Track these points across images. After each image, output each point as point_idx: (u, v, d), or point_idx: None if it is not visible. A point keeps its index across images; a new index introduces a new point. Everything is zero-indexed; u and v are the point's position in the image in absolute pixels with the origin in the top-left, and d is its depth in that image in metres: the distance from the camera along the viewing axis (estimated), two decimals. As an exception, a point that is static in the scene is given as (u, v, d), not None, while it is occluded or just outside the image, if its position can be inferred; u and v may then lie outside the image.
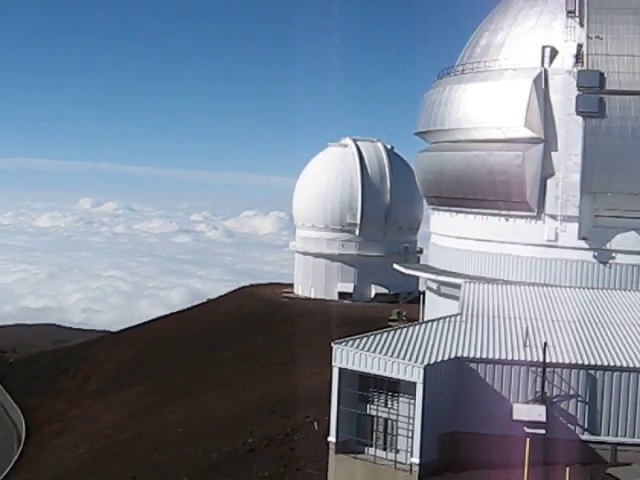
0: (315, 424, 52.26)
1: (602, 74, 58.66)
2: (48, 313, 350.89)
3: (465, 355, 40.44)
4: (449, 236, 70.22)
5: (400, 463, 39.18)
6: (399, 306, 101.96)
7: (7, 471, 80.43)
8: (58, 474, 70.58)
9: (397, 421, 39.78)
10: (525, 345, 41.40)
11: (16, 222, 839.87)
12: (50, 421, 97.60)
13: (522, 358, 40.10)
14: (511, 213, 63.00)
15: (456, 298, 55.22)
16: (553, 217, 61.17)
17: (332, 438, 41.45)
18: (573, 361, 40.20)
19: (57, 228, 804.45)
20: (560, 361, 39.96)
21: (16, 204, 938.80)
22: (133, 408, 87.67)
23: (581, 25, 61.10)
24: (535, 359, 39.73)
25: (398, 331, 44.59)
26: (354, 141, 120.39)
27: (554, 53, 62.62)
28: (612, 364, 39.77)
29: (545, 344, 40.23)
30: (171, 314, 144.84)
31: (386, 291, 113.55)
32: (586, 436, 39.46)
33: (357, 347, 41.08)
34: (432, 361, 39.15)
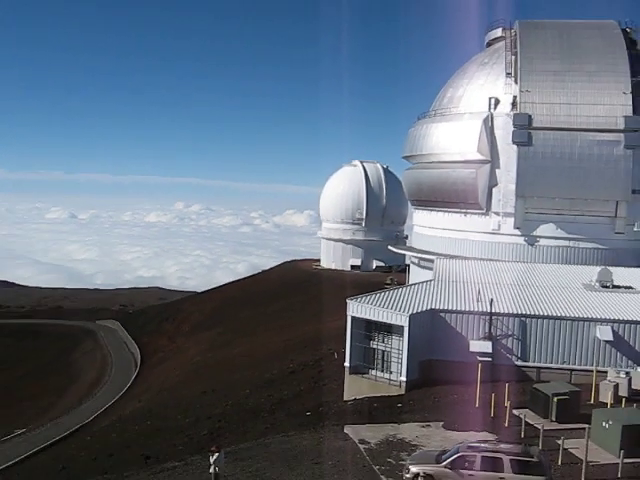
0: (335, 354, 52.51)
1: (530, 116, 59.06)
2: (155, 280, 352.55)
3: (437, 307, 41.16)
4: (426, 227, 70.47)
5: (392, 381, 40.13)
6: (392, 274, 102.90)
7: (129, 384, 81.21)
8: (162, 387, 71.12)
9: (391, 352, 40.47)
10: (478, 300, 41.66)
11: (133, 219, 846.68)
12: (156, 352, 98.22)
13: (476, 309, 40.68)
14: (468, 211, 63.26)
15: (430, 269, 55.56)
16: (497, 214, 61.59)
17: (347, 364, 42.41)
18: (511, 311, 40.72)
19: (160, 222, 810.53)
20: (501, 311, 40.52)
21: (132, 206, 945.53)
22: (212, 343, 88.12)
23: (515, 82, 61.29)
24: (485, 310, 40.17)
25: (391, 291, 45.13)
26: (361, 162, 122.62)
27: (497, 102, 62.82)
28: (537, 313, 40.43)
29: (491, 300, 40.66)
30: (237, 280, 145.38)
31: (383, 264, 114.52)
32: (519, 362, 39.97)
33: (364, 302, 41.73)
34: (414, 311, 39.90)
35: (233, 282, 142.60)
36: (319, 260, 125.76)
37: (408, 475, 25.00)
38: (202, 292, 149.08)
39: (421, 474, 24.28)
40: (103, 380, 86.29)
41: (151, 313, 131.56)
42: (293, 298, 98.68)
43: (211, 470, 25.33)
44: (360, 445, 30.03)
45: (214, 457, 25.22)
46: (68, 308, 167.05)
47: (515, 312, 40.78)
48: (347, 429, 32.79)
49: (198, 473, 28.34)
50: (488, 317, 39.93)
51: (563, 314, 40.56)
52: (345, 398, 41.88)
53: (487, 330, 39.87)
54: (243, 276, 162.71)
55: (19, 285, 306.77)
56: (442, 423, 32.70)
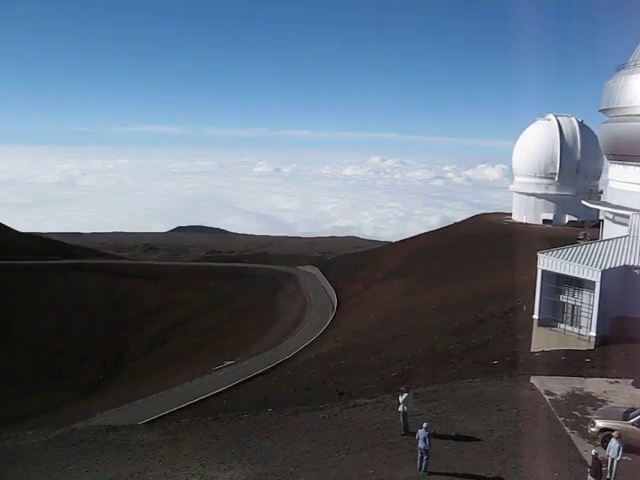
0: (524, 306, 51.26)
1: None
2: (351, 230, 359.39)
3: (632, 264, 38.69)
4: (622, 182, 65.99)
5: (581, 335, 38.66)
6: (584, 229, 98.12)
7: (326, 325, 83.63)
8: (356, 329, 72.75)
9: (581, 307, 38.88)
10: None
11: (331, 172, 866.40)
12: (352, 297, 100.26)
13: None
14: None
15: (626, 225, 52.15)
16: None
17: (535, 316, 41.25)
18: None
19: (357, 176, 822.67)
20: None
21: (331, 160, 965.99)
22: (404, 290, 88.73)
23: None
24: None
25: (584, 246, 43.10)
26: (555, 116, 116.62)
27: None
28: None
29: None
30: (429, 232, 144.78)
31: (576, 219, 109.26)
32: None
33: (555, 255, 40.20)
34: (607, 267, 37.84)
35: (425, 233, 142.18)
36: (510, 214, 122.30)
37: (593, 429, 24.26)
38: (395, 242, 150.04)
39: (607, 429, 23.44)
40: (303, 320, 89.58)
41: (347, 260, 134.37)
42: (483, 250, 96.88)
43: (400, 409, 25.91)
44: (546, 396, 29.45)
45: (403, 397, 25.76)
46: (272, 254, 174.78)
47: None
48: (533, 379, 32.24)
49: (388, 410, 29.05)
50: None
51: None
52: (532, 349, 41.02)
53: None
54: (435, 228, 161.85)
55: (229, 232, 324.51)
56: (631, 381, 31.22)
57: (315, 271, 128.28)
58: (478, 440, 24.77)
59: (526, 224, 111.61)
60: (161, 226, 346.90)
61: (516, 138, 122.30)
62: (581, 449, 23.69)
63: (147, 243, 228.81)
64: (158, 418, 46.02)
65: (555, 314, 40.71)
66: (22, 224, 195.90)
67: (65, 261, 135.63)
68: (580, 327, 39.06)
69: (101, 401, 67.34)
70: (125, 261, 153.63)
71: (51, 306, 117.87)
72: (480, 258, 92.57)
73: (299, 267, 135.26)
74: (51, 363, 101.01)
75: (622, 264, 38.76)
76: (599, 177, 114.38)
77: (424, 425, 22.54)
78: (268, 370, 62.89)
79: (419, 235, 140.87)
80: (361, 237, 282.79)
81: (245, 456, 24.76)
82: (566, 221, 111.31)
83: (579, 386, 30.87)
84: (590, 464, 20.38)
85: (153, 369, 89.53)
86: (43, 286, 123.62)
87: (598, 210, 76.17)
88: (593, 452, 20.35)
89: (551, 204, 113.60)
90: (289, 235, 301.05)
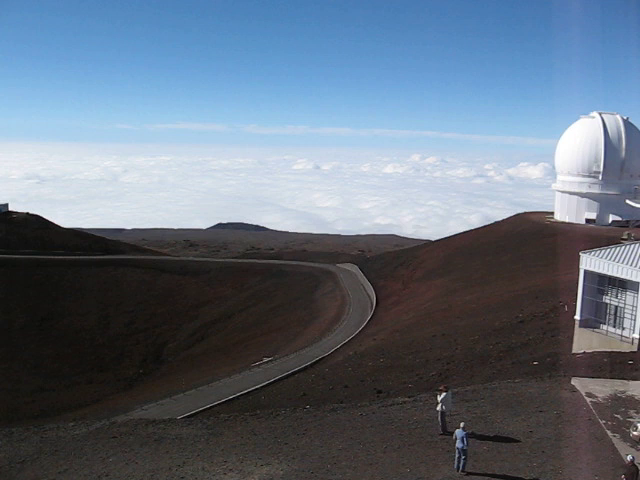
0: (565, 307, 50.63)
1: None
2: (391, 228, 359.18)
3: (677, 264, 37.83)
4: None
5: (624, 337, 37.98)
6: (629, 229, 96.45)
7: (365, 323, 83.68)
8: (395, 328, 72.58)
9: (624, 308, 38.24)
10: None
11: (371, 170, 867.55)
12: (391, 295, 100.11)
13: None
14: None
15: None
16: None
17: (577, 317, 40.71)
18: None
19: (397, 174, 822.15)
20: None
21: (371, 158, 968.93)
22: (443, 290, 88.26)
23: None
24: None
25: (628, 246, 42.28)
26: (599, 114, 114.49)
27: None
28: None
29: None
30: (470, 230, 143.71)
31: (620, 218, 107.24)
32: None
33: (598, 255, 39.61)
34: (652, 268, 37.07)
35: (465, 232, 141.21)
36: (552, 213, 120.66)
37: (636, 433, 23.88)
38: (435, 240, 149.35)
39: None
40: (342, 318, 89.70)
41: (387, 258, 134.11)
42: (524, 250, 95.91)
43: (438, 408, 25.78)
44: (587, 398, 29.05)
45: (442, 396, 25.63)
46: (311, 251, 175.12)
47: None
48: (574, 381, 31.82)
49: (426, 409, 28.94)
50: None
51: None
52: (573, 351, 40.48)
53: None
54: (475, 226, 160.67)
55: (269, 229, 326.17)
56: (676, 384, 30.66)
57: (354, 269, 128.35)
58: (517, 441, 24.52)
59: (568, 223, 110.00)
60: (201, 223, 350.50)
61: (559, 136, 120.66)
62: (622, 453, 23.31)
63: (187, 239, 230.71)
64: (197, 413, 46.54)
65: (597, 315, 40.13)
66: (66, 220, 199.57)
67: (107, 257, 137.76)
68: (623, 329, 38.44)
69: (141, 395, 68.24)
70: (166, 257, 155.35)
71: (93, 301, 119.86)
72: (521, 257, 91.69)
73: (338, 265, 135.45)
74: (92, 357, 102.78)
75: (667, 265, 38.04)
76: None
77: (462, 425, 22.40)
78: (306, 367, 63.14)
79: (459, 234, 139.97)
80: (401, 235, 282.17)
81: (282, 452, 24.88)
82: (610, 221, 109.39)
83: (621, 389, 30.38)
84: (625, 469, 20.03)
85: (192, 364, 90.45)
86: (86, 281, 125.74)
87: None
88: (629, 458, 19.99)
89: (594, 203, 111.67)
90: (328, 233, 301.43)
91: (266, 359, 70.01)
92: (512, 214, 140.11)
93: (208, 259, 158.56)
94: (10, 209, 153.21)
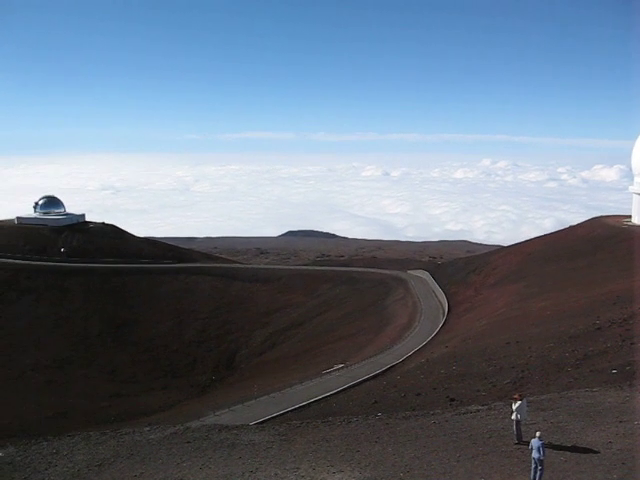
0: (645, 313, 49.09)
1: None
2: (462, 234, 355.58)
3: None
4: None
5: None
6: None
7: (437, 331, 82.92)
8: (468, 335, 71.66)
9: None
10: None
11: (441, 175, 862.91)
12: (463, 302, 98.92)
13: None
14: None
15: None
16: None
17: (658, 323, 39.23)
18: None
19: (467, 178, 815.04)
20: None
21: (441, 163, 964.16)
22: (517, 296, 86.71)
23: None
24: None
25: None
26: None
27: None
28: None
29: None
30: (543, 235, 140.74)
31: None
32: None
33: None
34: None
35: (539, 237, 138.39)
36: (630, 216, 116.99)
37: None
38: (508, 246, 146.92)
39: None
40: (413, 325, 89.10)
41: (458, 265, 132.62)
42: (600, 255, 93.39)
43: (513, 417, 25.34)
44: (670, 408, 28.09)
45: (516, 404, 25.20)
46: (382, 258, 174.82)
47: None
48: (656, 390, 30.80)
49: (500, 418, 28.49)
50: None
51: None
52: (655, 358, 39.18)
53: None
54: (549, 231, 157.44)
55: (339, 236, 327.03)
56: None
57: (425, 275, 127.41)
58: (596, 452, 23.87)
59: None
60: (272, 230, 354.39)
61: (635, 137, 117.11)
62: None
63: (258, 247, 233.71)
64: (269, 419, 46.93)
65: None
66: (140, 229, 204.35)
67: (180, 265, 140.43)
68: None
69: (213, 401, 69.16)
70: (237, 265, 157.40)
71: (167, 308, 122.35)
72: (597, 262, 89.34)
73: (409, 271, 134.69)
74: (166, 363, 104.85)
75: None
76: None
77: (538, 434, 21.96)
78: (377, 375, 62.91)
79: (533, 239, 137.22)
80: (472, 241, 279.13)
81: (354, 460, 24.86)
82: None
83: None
84: None
85: (264, 371, 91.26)
86: (160, 289, 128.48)
87: None
88: None
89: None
90: (399, 239, 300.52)
91: (337, 366, 70.08)
92: (587, 218, 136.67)
93: (279, 266, 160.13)
94: (87, 219, 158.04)
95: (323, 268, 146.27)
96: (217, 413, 52.45)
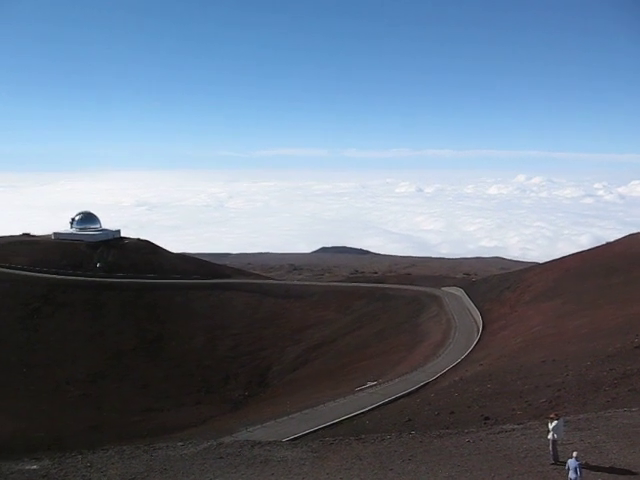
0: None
1: None
2: (497, 250, 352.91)
3: None
4: None
5: None
6: None
7: (471, 348, 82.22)
8: (502, 353, 70.94)
9: None
10: None
11: (475, 191, 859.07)
12: (497, 320, 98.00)
13: None
14: None
15: None
16: None
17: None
18: None
19: (501, 195, 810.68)
20: None
21: (475, 180, 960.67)
22: (553, 314, 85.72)
23: None
24: None
25: None
26: None
27: None
28: None
29: None
30: (579, 252, 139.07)
31: None
32: None
33: None
34: None
35: (575, 254, 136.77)
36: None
37: None
38: (543, 263, 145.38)
39: None
40: (447, 342, 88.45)
41: (493, 282, 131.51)
42: (637, 272, 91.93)
43: (549, 436, 24.96)
44: None
45: (553, 424, 24.82)
46: (415, 274, 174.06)
47: None
48: (697, 411, 30.14)
49: (536, 438, 28.04)
50: None
51: None
52: (696, 378, 38.37)
53: None
54: (585, 248, 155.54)
55: (372, 253, 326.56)
56: None
57: (459, 292, 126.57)
58: (634, 474, 23.36)
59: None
60: (305, 247, 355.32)
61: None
62: None
63: (292, 263, 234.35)
64: (302, 436, 46.81)
65: None
66: (173, 245, 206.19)
67: (214, 280, 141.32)
68: None
69: (246, 417, 69.19)
70: (270, 281, 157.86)
71: (200, 323, 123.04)
72: (634, 280, 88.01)
73: (443, 288, 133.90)
74: (199, 379, 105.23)
75: None
76: None
77: (575, 454, 21.60)
78: (411, 392, 62.49)
79: (568, 256, 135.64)
80: (507, 258, 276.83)
81: (388, 478, 24.64)
82: None
83: None
84: None
85: (297, 387, 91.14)
86: (193, 304, 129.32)
87: None
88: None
89: None
90: (433, 256, 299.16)
91: (370, 383, 69.77)
92: (624, 234, 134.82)
93: (312, 283, 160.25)
94: (122, 235, 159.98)
95: (356, 285, 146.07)
96: (249, 429, 52.47)
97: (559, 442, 25.07)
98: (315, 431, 49.37)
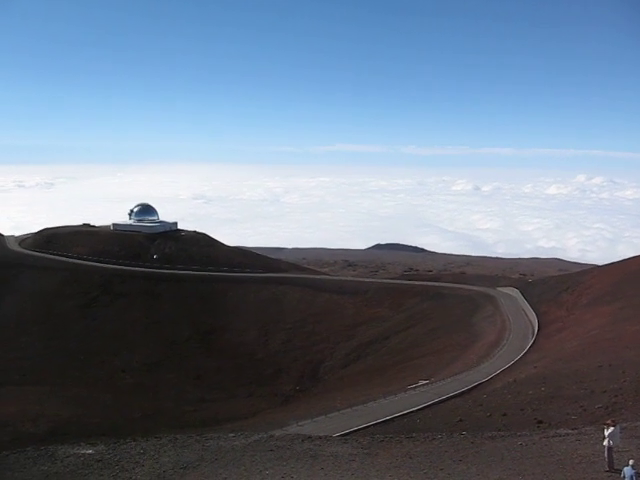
0: None
1: None
2: (554, 251, 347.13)
3: None
4: None
5: None
6: None
7: (525, 350, 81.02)
8: (558, 356, 69.73)
9: None
10: None
11: (533, 191, 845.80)
12: (554, 322, 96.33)
13: None
14: None
15: None
16: None
17: None
18: None
19: (560, 195, 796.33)
20: None
21: (533, 179, 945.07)
22: (611, 318, 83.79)
23: None
24: None
25: None
26: None
27: None
28: None
29: None
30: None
31: None
32: None
33: None
34: None
35: (635, 257, 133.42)
36: None
37: None
38: (603, 265, 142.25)
39: None
40: (501, 343, 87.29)
41: (550, 283, 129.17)
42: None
43: (605, 443, 24.43)
44: None
45: (609, 430, 24.28)
46: (470, 274, 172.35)
47: None
48: None
49: (591, 444, 27.50)
50: None
51: None
52: None
53: None
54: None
55: (427, 251, 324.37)
56: None
57: (515, 293, 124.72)
58: (693, 484, 22.73)
59: None
60: (360, 243, 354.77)
61: None
62: None
63: (346, 259, 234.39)
64: (352, 432, 46.77)
65: None
66: (230, 238, 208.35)
67: (268, 274, 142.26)
68: None
69: (297, 411, 69.48)
70: (324, 276, 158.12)
71: (253, 317, 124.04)
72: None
73: (499, 288, 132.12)
74: (252, 371, 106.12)
75: None
76: None
77: (631, 462, 21.10)
78: (463, 392, 61.87)
79: (629, 259, 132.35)
80: (565, 259, 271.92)
81: (438, 478, 24.47)
82: None
83: None
84: None
85: (348, 383, 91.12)
86: (247, 297, 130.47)
87: None
88: None
89: None
90: (488, 255, 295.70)
91: (422, 382, 69.32)
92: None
93: (366, 279, 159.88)
94: (179, 227, 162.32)
95: (411, 282, 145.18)
96: (300, 423, 52.62)
97: (615, 449, 24.53)
98: (365, 427, 49.23)
